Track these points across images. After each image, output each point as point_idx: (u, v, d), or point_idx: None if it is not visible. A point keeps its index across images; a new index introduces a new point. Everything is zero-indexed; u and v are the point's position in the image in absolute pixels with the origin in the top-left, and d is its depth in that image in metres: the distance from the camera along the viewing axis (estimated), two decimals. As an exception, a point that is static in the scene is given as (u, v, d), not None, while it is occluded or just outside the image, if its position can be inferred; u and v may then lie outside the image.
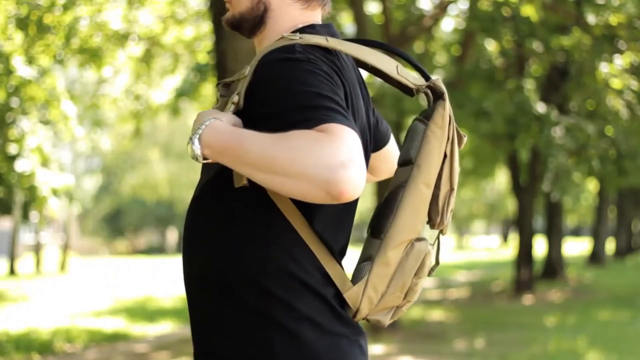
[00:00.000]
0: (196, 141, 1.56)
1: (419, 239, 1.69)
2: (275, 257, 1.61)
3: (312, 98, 1.51)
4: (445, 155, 1.71)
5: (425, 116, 1.74)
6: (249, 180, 1.57)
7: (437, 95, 1.75)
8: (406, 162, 1.71)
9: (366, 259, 1.69)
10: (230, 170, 1.60)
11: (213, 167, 1.65)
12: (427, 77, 1.78)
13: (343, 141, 1.45)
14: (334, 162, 1.42)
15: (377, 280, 1.67)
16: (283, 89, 1.54)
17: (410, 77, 1.76)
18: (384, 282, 1.67)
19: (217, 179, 1.65)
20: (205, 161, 1.57)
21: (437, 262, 1.77)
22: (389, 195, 1.71)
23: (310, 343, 1.62)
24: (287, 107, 1.52)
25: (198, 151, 1.55)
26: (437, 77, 1.78)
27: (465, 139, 1.78)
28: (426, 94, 1.77)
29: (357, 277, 1.68)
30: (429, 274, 1.73)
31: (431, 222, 1.75)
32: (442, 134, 1.71)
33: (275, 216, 1.62)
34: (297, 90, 1.53)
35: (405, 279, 1.68)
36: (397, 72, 1.73)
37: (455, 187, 1.74)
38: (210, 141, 1.55)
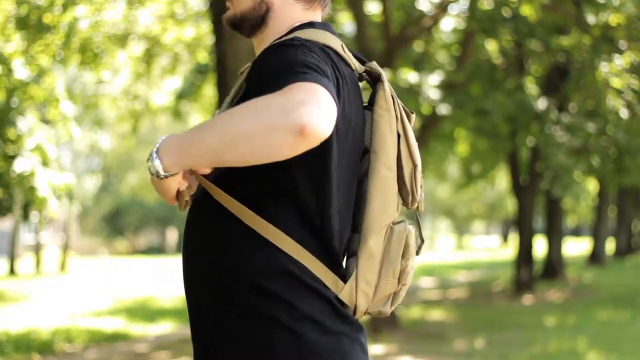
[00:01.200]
0: (154, 154, 1.55)
1: (397, 222, 1.70)
2: (275, 258, 1.61)
3: (294, 65, 1.52)
4: (398, 135, 1.72)
5: (369, 102, 1.76)
6: (248, 183, 1.60)
7: (375, 79, 1.77)
8: (363, 152, 1.73)
9: (351, 255, 1.70)
10: (231, 172, 1.60)
11: (214, 170, 1.65)
12: (363, 62, 1.80)
13: (302, 88, 1.45)
14: (291, 103, 1.42)
15: (367, 273, 1.67)
16: (273, 66, 1.56)
17: (354, 59, 1.78)
18: (374, 273, 1.67)
19: (217, 181, 1.65)
20: (165, 174, 1.55)
21: (422, 240, 1.78)
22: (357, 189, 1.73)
23: (311, 343, 1.61)
24: (271, 79, 1.53)
25: (157, 163, 1.55)
26: (372, 62, 1.79)
27: (413, 116, 1.80)
28: (366, 80, 1.80)
29: (346, 275, 1.68)
30: (417, 253, 1.74)
31: (404, 203, 1.76)
32: (390, 115, 1.71)
33: (273, 218, 1.62)
34: (284, 63, 1.54)
35: (394, 264, 1.68)
36: (343, 51, 1.74)
37: (418, 163, 1.74)
38: (167, 150, 1.55)
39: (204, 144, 1.50)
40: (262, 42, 1.78)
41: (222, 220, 1.64)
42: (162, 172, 1.55)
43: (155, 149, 1.56)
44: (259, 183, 1.62)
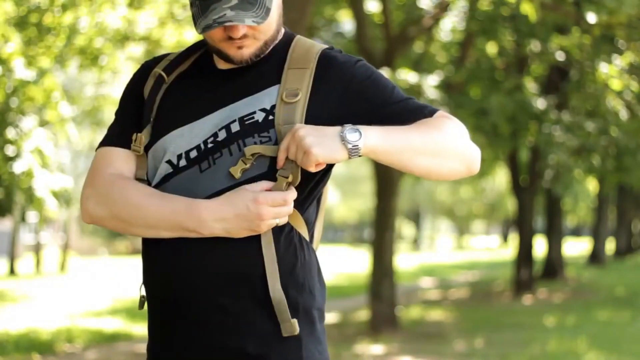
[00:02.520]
0: (349, 130, 1.62)
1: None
2: (316, 256, 1.77)
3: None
4: None
5: None
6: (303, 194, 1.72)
7: None
8: None
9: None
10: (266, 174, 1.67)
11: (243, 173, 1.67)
12: None
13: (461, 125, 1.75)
14: (471, 143, 1.73)
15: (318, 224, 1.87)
16: (387, 81, 1.77)
17: None
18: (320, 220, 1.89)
19: (225, 191, 1.67)
20: (359, 154, 1.63)
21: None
22: None
23: (318, 332, 1.74)
24: (398, 97, 1.74)
25: (357, 137, 1.62)
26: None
27: None
28: None
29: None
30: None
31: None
32: None
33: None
34: (389, 81, 1.77)
35: (323, 205, 1.90)
36: None
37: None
38: (370, 131, 1.63)
39: (408, 141, 1.65)
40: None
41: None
42: (361, 148, 1.62)
43: (349, 125, 1.63)
44: (312, 194, 1.75)
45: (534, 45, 11.26)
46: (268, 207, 1.63)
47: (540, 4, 8.95)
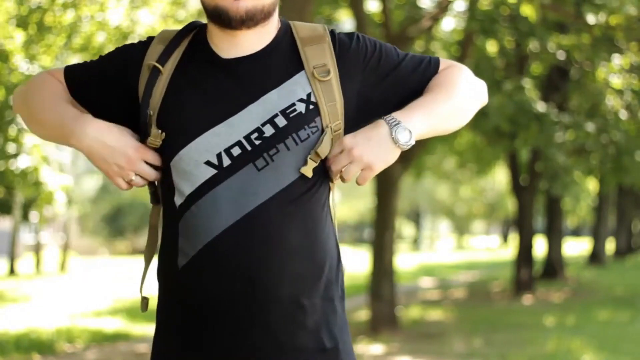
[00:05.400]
0: (397, 125, 1.68)
1: None
2: (336, 245, 1.81)
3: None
4: None
5: None
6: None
7: None
8: None
9: None
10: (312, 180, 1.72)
11: (282, 177, 1.69)
12: None
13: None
14: (477, 80, 1.88)
15: None
16: (391, 47, 1.85)
17: None
18: None
19: (291, 188, 1.69)
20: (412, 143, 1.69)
21: None
22: None
23: (343, 317, 1.80)
24: (401, 54, 1.83)
25: (407, 133, 1.68)
26: None
27: None
28: None
29: None
30: None
31: None
32: None
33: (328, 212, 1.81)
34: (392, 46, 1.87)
35: None
36: None
37: None
38: (413, 121, 1.70)
39: (439, 115, 1.74)
40: (262, 34, 1.75)
41: (306, 218, 1.74)
42: (413, 141, 1.69)
43: (393, 121, 1.68)
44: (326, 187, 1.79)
45: (534, 45, 11.26)
46: (141, 162, 1.69)
47: (540, 4, 8.95)
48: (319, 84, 1.70)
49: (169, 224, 1.76)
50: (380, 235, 10.05)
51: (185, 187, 1.69)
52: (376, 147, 1.65)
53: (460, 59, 11.34)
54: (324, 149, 1.67)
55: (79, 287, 17.29)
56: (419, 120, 1.69)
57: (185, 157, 1.68)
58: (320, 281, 1.72)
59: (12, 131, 8.61)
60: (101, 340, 9.06)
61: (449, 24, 13.31)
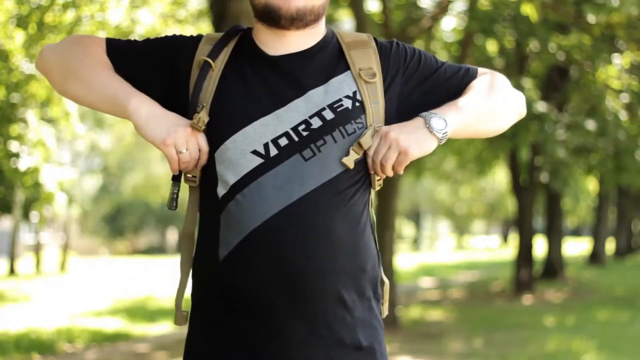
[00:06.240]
0: (434, 118, 1.72)
1: None
2: (377, 249, 1.83)
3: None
4: None
5: None
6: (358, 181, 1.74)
7: None
8: None
9: None
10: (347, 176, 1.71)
11: (318, 173, 1.69)
12: None
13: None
14: (515, 92, 1.91)
15: None
16: (429, 54, 1.88)
17: None
18: None
19: (336, 181, 1.70)
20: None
21: None
22: None
23: (379, 319, 1.82)
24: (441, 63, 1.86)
25: (443, 124, 1.71)
26: None
27: None
28: None
29: None
30: None
31: None
32: None
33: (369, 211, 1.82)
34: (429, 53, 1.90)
35: None
36: None
37: None
38: (450, 115, 1.74)
39: (477, 114, 1.78)
40: (309, 36, 1.78)
41: (347, 217, 1.74)
42: (449, 133, 1.73)
43: (428, 113, 1.72)
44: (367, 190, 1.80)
45: (534, 45, 11.26)
46: (194, 139, 1.69)
47: (540, 4, 8.95)
48: (365, 84, 1.74)
49: (209, 217, 1.75)
50: (381, 235, 10.05)
51: (229, 176, 1.70)
52: (412, 132, 1.69)
53: (460, 59, 11.34)
54: (366, 140, 1.68)
55: (79, 287, 17.29)
56: (455, 115, 1.73)
57: (232, 146, 1.70)
58: (361, 279, 1.73)
59: (13, 130, 8.60)
60: (101, 340, 9.05)
61: (449, 24, 13.30)
